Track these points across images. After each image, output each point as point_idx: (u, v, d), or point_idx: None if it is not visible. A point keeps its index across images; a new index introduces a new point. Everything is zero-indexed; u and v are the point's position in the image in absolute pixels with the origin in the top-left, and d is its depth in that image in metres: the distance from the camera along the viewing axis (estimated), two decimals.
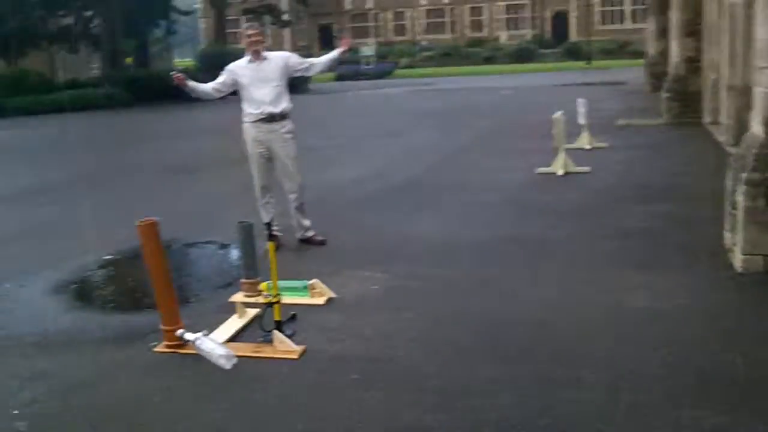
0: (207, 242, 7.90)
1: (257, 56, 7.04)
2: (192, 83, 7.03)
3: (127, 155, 16.29)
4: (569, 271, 6.09)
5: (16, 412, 4.01)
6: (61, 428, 3.82)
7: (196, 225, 8.56)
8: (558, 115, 10.57)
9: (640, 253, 6.49)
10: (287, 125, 7.17)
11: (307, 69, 7.38)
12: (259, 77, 6.99)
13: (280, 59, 7.16)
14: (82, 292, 6.42)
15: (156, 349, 4.78)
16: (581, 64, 48.60)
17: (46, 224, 9.29)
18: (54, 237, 8.53)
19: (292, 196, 7.25)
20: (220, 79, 7.16)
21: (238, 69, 7.10)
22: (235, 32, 57.46)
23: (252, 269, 5.66)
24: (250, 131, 7.13)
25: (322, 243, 7.28)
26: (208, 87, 7.18)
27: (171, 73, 6.95)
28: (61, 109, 29.67)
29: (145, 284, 5.62)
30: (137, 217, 4.87)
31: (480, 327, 4.93)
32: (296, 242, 7.31)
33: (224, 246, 7.61)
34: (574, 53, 54.12)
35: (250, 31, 7.05)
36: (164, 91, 32.21)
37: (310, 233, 7.34)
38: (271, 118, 7.04)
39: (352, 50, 52.15)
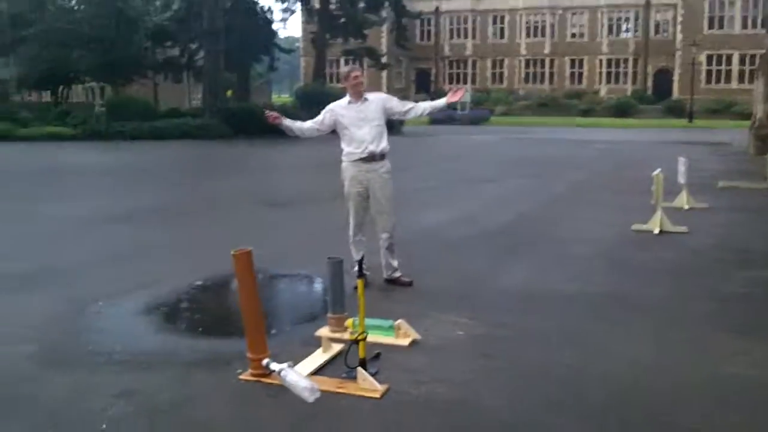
0: (296, 275, 7.96)
1: (359, 97, 7.10)
2: (288, 122, 7.10)
3: (222, 185, 16.64)
4: (664, 331, 5.90)
5: (104, 427, 4.06)
6: None
7: (287, 258, 8.64)
8: (658, 172, 10.34)
9: (739, 319, 6.24)
10: (386, 165, 7.21)
11: (406, 113, 7.36)
12: (360, 117, 7.04)
13: (380, 101, 7.21)
14: (173, 315, 6.53)
15: (241, 377, 4.80)
16: (683, 122, 47.74)
17: (140, 247, 9.51)
18: (147, 260, 8.72)
19: (385, 236, 7.25)
20: (320, 117, 7.21)
21: (339, 109, 7.15)
22: (333, 72, 58.76)
23: (339, 305, 5.67)
24: (349, 170, 7.16)
25: (408, 284, 7.24)
26: (306, 125, 7.23)
27: (265, 112, 7.00)
28: (161, 136, 30.72)
29: (234, 311, 5.69)
30: (229, 245, 4.93)
31: (568, 381, 4.79)
32: (382, 282, 7.28)
33: (313, 280, 7.65)
34: (676, 111, 53.32)
35: (354, 73, 7.09)
36: (262, 125, 33.01)
37: (397, 273, 7.31)
38: (371, 158, 7.08)
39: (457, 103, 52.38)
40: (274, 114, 6.94)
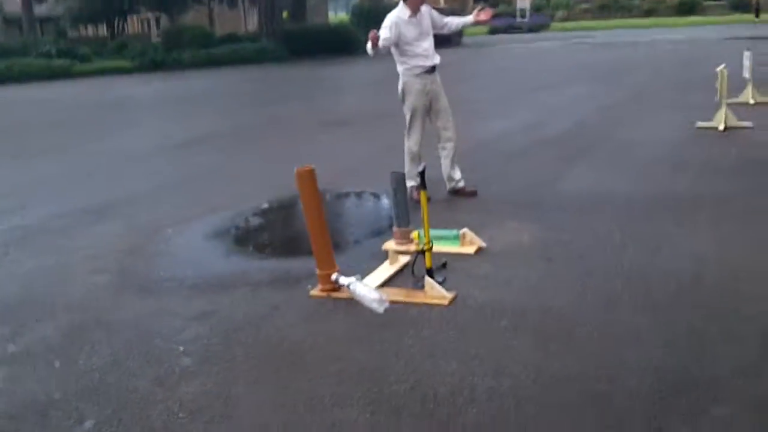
0: (360, 192, 8.06)
1: (418, 10, 7.03)
2: (381, 41, 6.88)
3: (281, 108, 16.72)
4: (725, 225, 5.86)
5: (181, 348, 4.21)
6: (225, 364, 3.98)
7: (350, 175, 8.74)
8: (722, 68, 10.07)
9: None
10: (438, 76, 7.23)
11: (444, 26, 7.35)
12: (420, 31, 7.02)
13: (429, 12, 7.15)
14: (241, 238, 6.69)
15: (312, 293, 4.93)
16: (749, 17, 45.97)
17: (205, 173, 9.71)
18: (213, 185, 8.91)
19: (449, 145, 7.28)
20: (388, 34, 6.99)
21: (402, 23, 7.03)
22: None
23: (404, 218, 5.73)
24: (415, 83, 7.10)
25: (473, 194, 7.28)
26: (386, 41, 6.98)
27: (369, 35, 6.83)
28: (218, 62, 30.89)
29: (301, 231, 5.82)
30: (292, 167, 5.01)
31: (631, 278, 4.82)
32: (446, 194, 7.33)
33: (377, 195, 7.74)
34: (741, 6, 51.30)
35: None
36: (319, 45, 33.02)
37: (461, 184, 7.35)
38: (433, 69, 7.12)
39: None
40: (375, 34, 6.77)
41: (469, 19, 7.33)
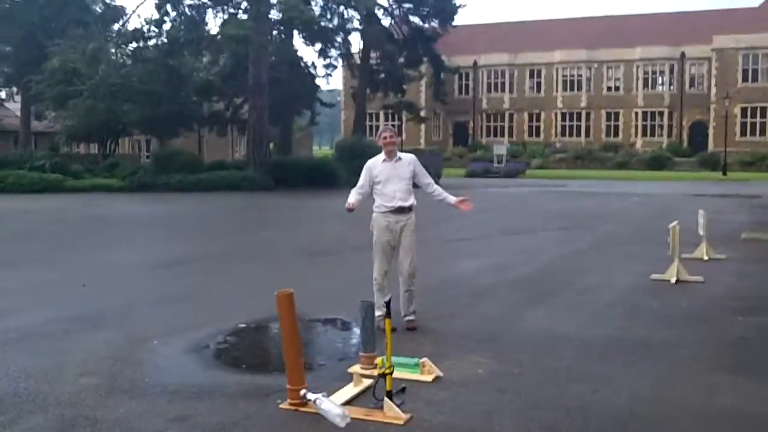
0: (332, 319, 8.62)
1: (392, 156, 7.87)
2: (352, 201, 7.79)
3: (264, 235, 17.45)
4: (665, 369, 6.46)
5: None
6: None
7: (325, 303, 9.31)
8: (674, 224, 10.90)
9: (736, 359, 6.81)
10: (412, 217, 7.94)
11: (425, 186, 8.07)
12: (393, 174, 7.82)
13: (411, 162, 7.96)
14: (219, 353, 7.20)
15: (281, 406, 5.45)
16: (717, 174, 47.99)
17: (189, 291, 10.27)
18: (196, 303, 9.48)
19: (406, 281, 7.91)
20: (361, 180, 7.95)
21: (374, 166, 7.92)
22: (373, 125, 59.93)
23: (370, 344, 6.31)
24: (379, 220, 7.89)
25: (413, 329, 7.81)
26: (358, 194, 7.88)
27: (346, 208, 7.76)
28: (205, 187, 31.80)
29: (275, 351, 6.37)
30: (271, 291, 5.61)
31: (572, 410, 5.38)
32: (403, 325, 7.87)
33: (347, 322, 8.30)
34: (711, 163, 53.57)
35: (386, 134, 7.91)
36: (302, 177, 34.11)
37: (409, 317, 7.92)
38: (399, 211, 7.82)
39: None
40: (349, 206, 7.74)
41: (451, 200, 8.08)
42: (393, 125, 58.09)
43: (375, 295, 7.76)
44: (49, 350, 7.04)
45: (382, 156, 7.95)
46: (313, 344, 7.66)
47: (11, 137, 47.02)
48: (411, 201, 7.90)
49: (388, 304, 5.84)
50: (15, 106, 47.59)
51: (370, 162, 8.02)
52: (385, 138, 7.87)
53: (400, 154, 7.98)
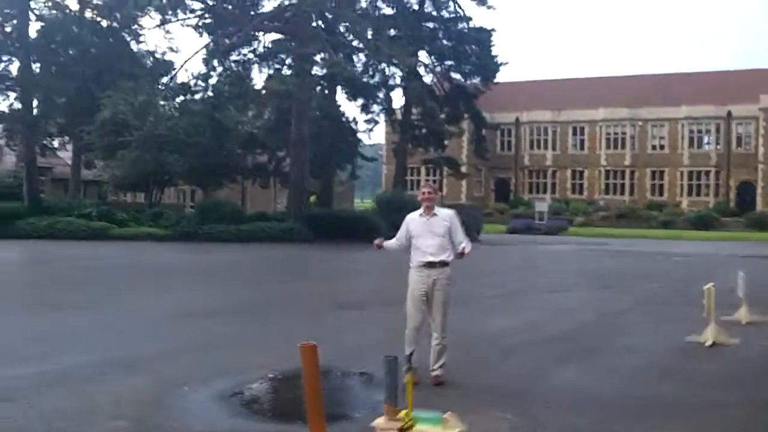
0: (360, 371, 8.66)
1: (429, 211, 8.00)
2: (386, 243, 8.19)
3: (301, 286, 17.59)
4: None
5: None
6: None
7: (355, 355, 9.36)
8: (709, 286, 10.80)
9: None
10: (446, 272, 7.97)
11: (456, 243, 8.05)
12: (427, 230, 7.95)
13: (447, 219, 8.06)
14: (246, 401, 7.30)
15: None
16: (765, 235, 47.29)
17: (223, 339, 10.40)
18: (228, 351, 9.60)
19: (435, 336, 7.95)
20: (400, 233, 8.17)
21: (411, 220, 8.09)
22: (414, 180, 60.28)
23: (393, 398, 6.34)
24: (413, 275, 8.01)
25: (439, 383, 7.81)
26: (394, 244, 8.20)
27: (374, 243, 8.15)
28: (247, 238, 32.18)
29: (301, 401, 6.42)
30: (302, 342, 5.68)
31: None
32: (431, 380, 7.89)
33: (373, 375, 8.33)
34: (759, 224, 52.81)
35: (424, 190, 8.10)
36: (342, 230, 34.36)
37: (436, 372, 7.91)
38: (431, 265, 7.89)
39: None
40: (378, 243, 8.13)
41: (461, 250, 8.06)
42: (434, 181, 58.53)
43: (405, 348, 7.82)
44: (83, 392, 7.22)
45: (420, 211, 8.09)
46: (339, 396, 7.72)
47: (62, 185, 48.14)
48: (444, 256, 7.95)
49: (409, 358, 5.89)
50: (66, 155, 48.79)
51: (408, 216, 8.21)
52: (423, 194, 8.07)
53: (438, 209, 8.11)
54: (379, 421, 6.28)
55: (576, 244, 37.59)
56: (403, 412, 5.87)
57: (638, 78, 71.78)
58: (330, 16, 36.85)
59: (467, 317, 12.43)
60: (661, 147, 67.69)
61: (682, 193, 65.67)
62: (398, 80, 43.41)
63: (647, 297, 16.44)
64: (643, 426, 6.57)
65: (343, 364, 8.75)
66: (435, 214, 8.03)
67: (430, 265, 7.90)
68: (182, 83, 36.39)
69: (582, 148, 70.49)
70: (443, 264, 7.96)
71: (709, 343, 10.48)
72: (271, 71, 38.23)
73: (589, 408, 7.10)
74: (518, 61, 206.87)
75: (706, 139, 66.09)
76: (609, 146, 68.92)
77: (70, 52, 39.59)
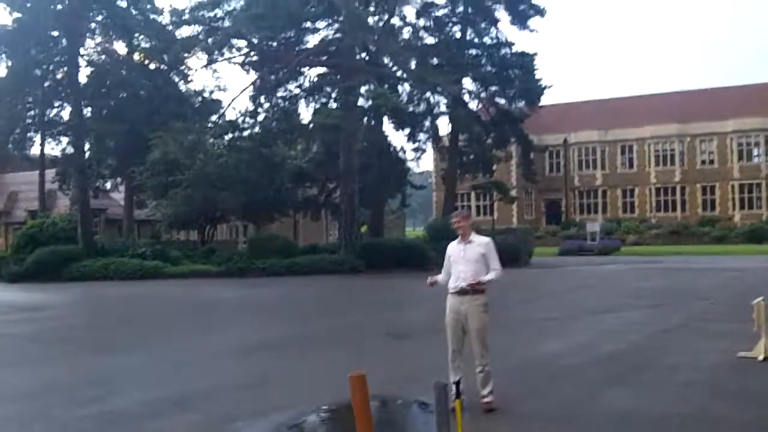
0: (412, 400, 8.82)
1: (464, 239, 8.19)
2: (438, 278, 8.35)
3: (352, 318, 17.80)
4: None
5: None
6: None
7: (405, 384, 9.51)
8: (758, 300, 10.76)
9: None
10: (480, 299, 8.10)
11: (489, 271, 8.17)
12: (462, 256, 8.15)
13: (483, 246, 8.21)
14: None
15: None
16: None
17: (276, 374, 10.64)
18: (282, 386, 9.82)
19: (477, 362, 8.08)
20: (445, 263, 8.37)
21: (450, 248, 8.33)
22: (464, 206, 60.30)
23: (444, 425, 6.50)
24: (449, 301, 8.24)
25: (490, 410, 7.91)
26: (444, 276, 8.37)
27: (427, 282, 8.35)
28: (299, 272, 32.57)
29: (352, 430, 6.60)
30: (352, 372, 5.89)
31: None
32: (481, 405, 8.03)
33: (425, 404, 8.49)
34: None
35: (455, 218, 8.34)
36: (393, 259, 34.56)
37: (486, 399, 8.02)
38: (464, 292, 8.07)
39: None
40: (431, 281, 8.32)
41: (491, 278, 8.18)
42: (467, 207, 58.45)
43: (449, 375, 7.96)
44: (141, 430, 7.46)
45: (459, 239, 8.27)
46: (391, 425, 7.89)
47: (116, 225, 49.27)
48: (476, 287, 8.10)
49: (457, 385, 6.05)
50: (119, 196, 49.90)
51: (450, 245, 8.43)
52: (456, 222, 8.27)
53: (474, 236, 8.27)
54: None
55: (628, 263, 37.25)
56: None
57: (684, 93, 71.19)
58: (373, 48, 37.30)
59: (517, 341, 12.58)
60: (711, 162, 66.91)
61: (734, 207, 64.71)
62: (443, 108, 43.72)
63: (699, 314, 16.31)
64: None
65: (395, 393, 8.92)
66: (471, 241, 8.20)
67: (462, 291, 8.07)
68: (230, 121, 37.11)
69: (631, 166, 69.99)
70: (477, 291, 8.09)
71: (761, 357, 10.43)
72: (318, 105, 38.77)
73: (639, 427, 7.17)
74: (563, 82, 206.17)
75: (755, 152, 65.14)
76: (658, 163, 68.34)
77: (121, 95, 40.64)
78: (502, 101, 46.01)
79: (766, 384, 9.09)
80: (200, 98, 45.22)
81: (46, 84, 39.43)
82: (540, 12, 44.67)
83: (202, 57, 37.70)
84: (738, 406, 7.96)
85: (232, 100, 51.94)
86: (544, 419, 7.60)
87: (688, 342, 12.51)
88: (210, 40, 35.26)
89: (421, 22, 42.82)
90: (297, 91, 39.13)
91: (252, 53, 37.34)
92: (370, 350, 12.58)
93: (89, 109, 41.02)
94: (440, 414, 6.50)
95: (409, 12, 47.39)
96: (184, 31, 37.09)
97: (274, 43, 36.88)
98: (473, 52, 44.87)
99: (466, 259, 8.12)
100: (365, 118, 40.38)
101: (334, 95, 38.21)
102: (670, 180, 67.56)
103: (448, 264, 8.31)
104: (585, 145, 71.26)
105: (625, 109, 70.20)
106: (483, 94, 45.01)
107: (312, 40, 38.18)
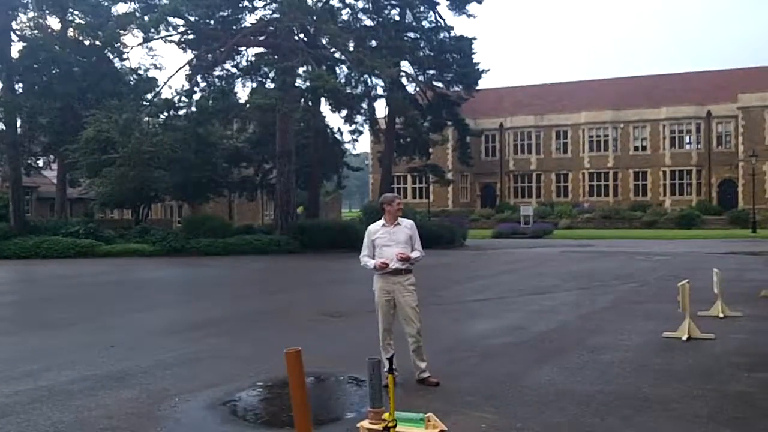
0: (346, 376, 8.97)
1: (393, 221, 8.39)
2: (366, 262, 8.52)
3: (286, 297, 17.86)
4: (664, 423, 6.74)
5: None
6: None
7: (339, 361, 9.68)
8: (683, 283, 11.17)
9: (735, 414, 7.06)
10: (410, 278, 8.46)
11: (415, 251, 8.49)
12: (390, 238, 8.40)
13: (410, 228, 8.52)
14: (235, 409, 7.60)
15: None
16: (746, 232, 47.88)
17: (210, 352, 10.67)
18: (216, 363, 9.86)
19: (411, 340, 8.35)
20: (365, 245, 8.59)
21: (374, 231, 8.54)
22: (400, 188, 60.61)
23: (377, 400, 6.64)
24: (378, 282, 8.48)
25: (436, 384, 8.20)
26: (368, 258, 8.52)
27: (380, 264, 8.35)
28: (234, 251, 32.44)
29: (286, 405, 6.72)
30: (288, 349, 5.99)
31: None
32: (415, 382, 8.25)
33: (358, 380, 8.64)
34: (741, 221, 53.46)
35: (397, 201, 8.57)
36: (329, 240, 34.65)
37: (425, 374, 8.32)
38: (396, 272, 8.33)
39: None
40: (382, 262, 8.35)
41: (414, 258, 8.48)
42: (403, 189, 58.78)
43: (381, 353, 8.14)
44: (75, 407, 7.49)
45: (381, 221, 8.47)
46: (326, 400, 8.04)
47: (48, 204, 48.31)
48: (407, 263, 8.34)
49: (390, 361, 6.20)
50: (52, 174, 48.93)
51: (370, 228, 8.65)
52: (398, 204, 8.52)
53: (400, 219, 8.48)
54: (364, 423, 6.58)
55: (560, 246, 37.96)
56: (387, 413, 6.17)
57: (618, 81, 72.57)
58: (312, 30, 37.13)
59: (448, 321, 12.82)
60: (643, 148, 68.37)
61: (664, 192, 66.31)
62: (381, 90, 43.75)
63: (627, 296, 16.78)
64: (616, 419, 6.89)
65: (329, 370, 9.06)
66: (398, 224, 8.45)
67: (396, 272, 8.29)
68: (166, 100, 36.55)
69: (565, 151, 71.16)
70: (407, 271, 8.41)
71: (684, 337, 10.84)
72: (255, 85, 38.48)
73: (566, 405, 7.41)
74: (501, 67, 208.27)
75: (687, 139, 66.80)
76: (592, 149, 69.60)
77: (54, 71, 39.76)
78: (440, 85, 46.28)
79: (689, 363, 9.45)
80: (136, 76, 44.47)
81: None
82: None
83: (137, 35, 37.04)
84: (660, 384, 8.29)
85: (168, 78, 50.96)
86: (474, 396, 7.81)
87: (616, 323, 12.89)
88: (146, 17, 34.59)
89: (360, 4, 42.67)
90: (234, 70, 38.74)
91: (189, 32, 36.80)
92: (305, 329, 12.68)
93: (21, 85, 40.07)
94: (373, 389, 6.65)
95: None
96: (120, 8, 36.56)
97: (212, 22, 36.39)
98: (412, 35, 44.92)
99: (397, 240, 8.37)
100: (302, 99, 40.17)
101: (271, 75, 37.88)
102: (603, 165, 68.86)
103: (371, 246, 8.47)
104: (520, 130, 72.16)
105: (561, 94, 71.34)
106: (421, 78, 45.17)
107: (249, 20, 37.85)
